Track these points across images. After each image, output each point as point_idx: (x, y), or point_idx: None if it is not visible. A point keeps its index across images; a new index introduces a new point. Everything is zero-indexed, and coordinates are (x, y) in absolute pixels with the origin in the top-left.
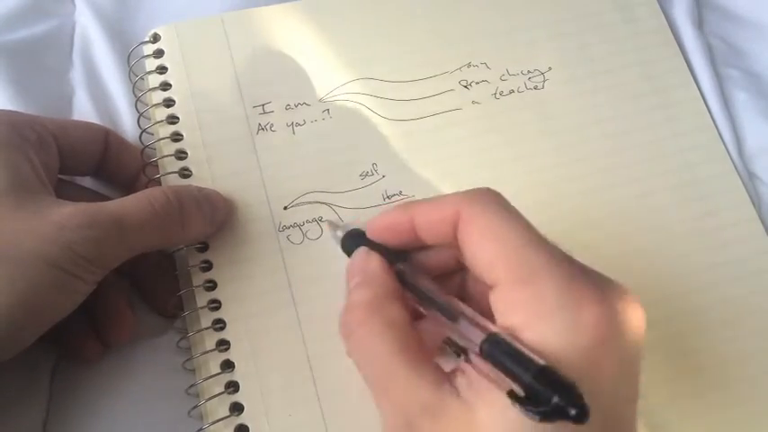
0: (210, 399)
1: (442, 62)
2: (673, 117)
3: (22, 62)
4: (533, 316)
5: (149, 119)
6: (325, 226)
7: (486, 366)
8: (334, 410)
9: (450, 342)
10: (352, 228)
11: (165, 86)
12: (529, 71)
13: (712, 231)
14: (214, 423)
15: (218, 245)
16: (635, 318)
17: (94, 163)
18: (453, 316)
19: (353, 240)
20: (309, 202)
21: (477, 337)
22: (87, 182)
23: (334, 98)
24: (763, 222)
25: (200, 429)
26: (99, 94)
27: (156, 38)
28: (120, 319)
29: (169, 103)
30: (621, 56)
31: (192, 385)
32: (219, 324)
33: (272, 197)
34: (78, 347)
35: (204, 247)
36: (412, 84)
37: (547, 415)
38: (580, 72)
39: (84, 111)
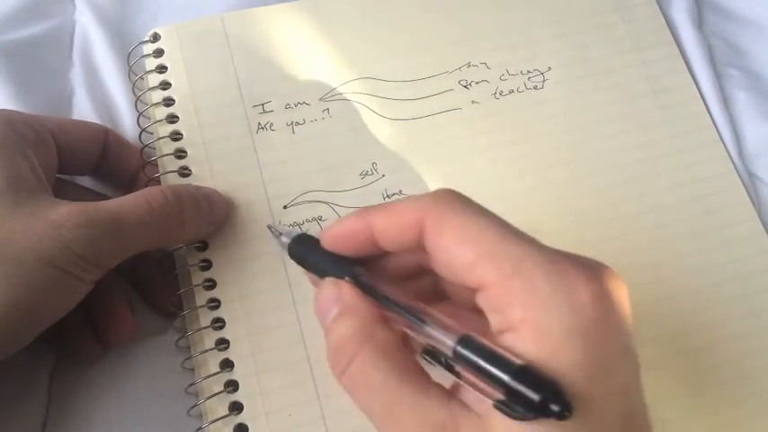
0: (210, 398)
1: (442, 62)
2: (673, 117)
3: (22, 62)
4: (530, 307)
5: (149, 118)
6: (266, 229)
7: (465, 372)
8: (334, 410)
9: (425, 352)
10: (297, 233)
11: (165, 86)
12: (528, 71)
13: (712, 231)
14: (213, 422)
15: (217, 244)
16: (624, 293)
17: (93, 162)
18: (420, 319)
19: (303, 248)
20: (309, 202)
21: (450, 340)
22: (86, 181)
23: (334, 97)
24: (763, 222)
25: (200, 428)
26: (99, 94)
27: (155, 37)
28: (120, 319)
29: (169, 102)
30: (621, 56)
31: (191, 384)
32: (219, 323)
33: (272, 196)
34: (78, 347)
35: (204, 246)
36: (412, 83)
37: (529, 416)
38: (580, 72)
39: (83, 110)
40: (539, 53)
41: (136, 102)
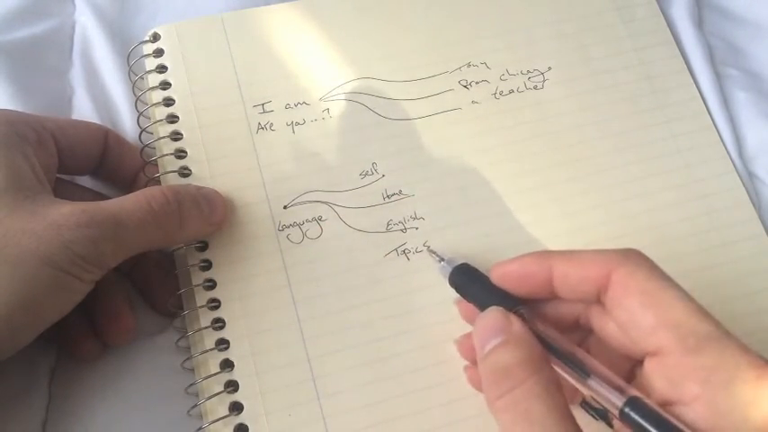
0: (210, 398)
1: (442, 62)
2: (672, 117)
3: (22, 62)
4: (709, 386)
5: (149, 118)
6: (426, 253)
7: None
8: (334, 410)
9: (586, 405)
10: (460, 262)
11: (165, 85)
12: (528, 71)
13: (712, 231)
14: (213, 422)
15: (217, 244)
16: None
17: (94, 162)
18: (585, 372)
19: (465, 279)
20: (309, 202)
21: (617, 399)
22: (86, 181)
23: (334, 97)
24: (763, 222)
25: (200, 428)
26: (99, 94)
27: (155, 37)
28: (120, 319)
29: (169, 102)
30: (621, 56)
31: (191, 384)
32: (219, 323)
33: (272, 196)
34: (78, 347)
35: (204, 246)
36: (412, 83)
37: None
38: (580, 72)
39: (83, 110)
40: (539, 53)
41: (136, 102)
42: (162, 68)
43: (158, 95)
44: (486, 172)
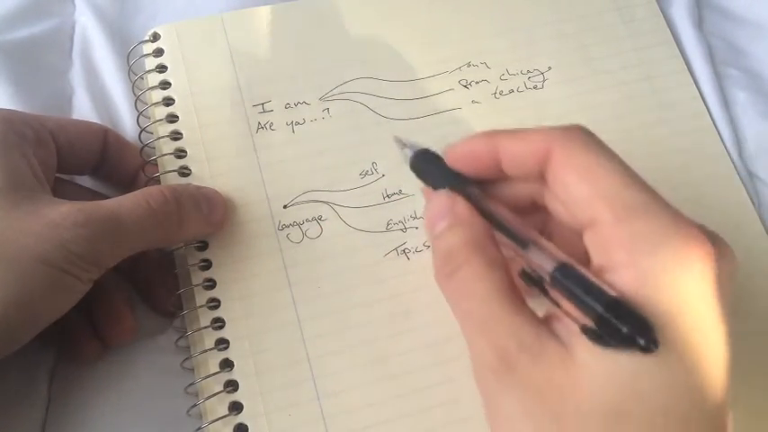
0: (210, 398)
1: (442, 62)
2: (672, 117)
3: (22, 62)
4: (636, 253)
5: (149, 117)
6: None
7: (559, 297)
8: (334, 410)
9: (523, 274)
10: (421, 148)
11: (165, 85)
12: (529, 71)
13: None
14: (213, 422)
15: (217, 243)
16: (733, 268)
17: (93, 162)
18: (524, 242)
19: (425, 163)
20: (309, 201)
21: (549, 265)
22: (86, 181)
23: (334, 97)
24: (763, 222)
25: (200, 428)
26: (98, 94)
27: (155, 37)
28: (120, 319)
29: (168, 101)
30: (621, 56)
31: (190, 384)
32: (218, 323)
33: (272, 196)
34: (77, 347)
35: (204, 246)
36: (412, 83)
37: (614, 344)
38: (580, 72)
39: (83, 110)
40: (539, 53)
41: (136, 101)
42: (162, 68)
43: (158, 95)
44: None
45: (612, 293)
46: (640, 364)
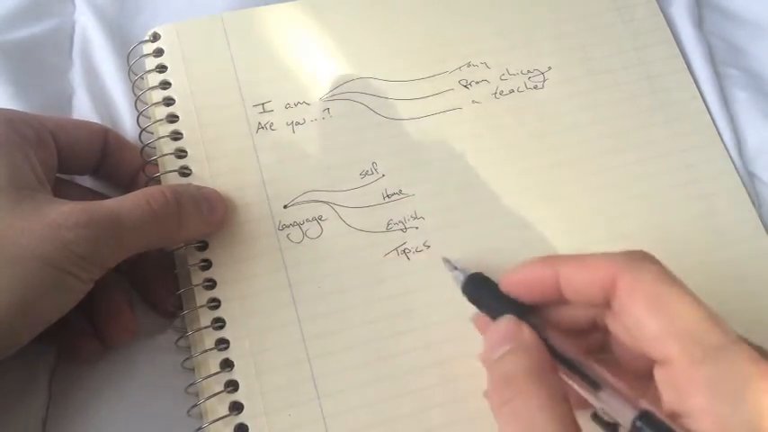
0: (210, 398)
1: (442, 62)
2: (672, 117)
3: (22, 62)
4: (715, 399)
5: (149, 117)
6: (442, 263)
7: None
8: (334, 410)
9: (595, 417)
10: (473, 272)
11: (165, 85)
12: (529, 71)
13: (712, 231)
14: (213, 422)
15: (217, 243)
16: None
17: (94, 162)
18: (595, 384)
19: (478, 288)
20: (309, 201)
21: (629, 413)
22: (86, 181)
23: (334, 97)
24: (763, 222)
25: (200, 428)
26: (99, 94)
27: (155, 37)
28: (120, 319)
29: (169, 101)
30: (621, 56)
31: (191, 384)
32: (219, 323)
33: (272, 196)
34: (78, 347)
35: (204, 246)
36: (412, 83)
37: None
38: (580, 72)
39: (83, 110)
40: (539, 53)
41: (136, 101)
42: (162, 68)
43: (158, 95)
44: (486, 172)
45: None
46: None
